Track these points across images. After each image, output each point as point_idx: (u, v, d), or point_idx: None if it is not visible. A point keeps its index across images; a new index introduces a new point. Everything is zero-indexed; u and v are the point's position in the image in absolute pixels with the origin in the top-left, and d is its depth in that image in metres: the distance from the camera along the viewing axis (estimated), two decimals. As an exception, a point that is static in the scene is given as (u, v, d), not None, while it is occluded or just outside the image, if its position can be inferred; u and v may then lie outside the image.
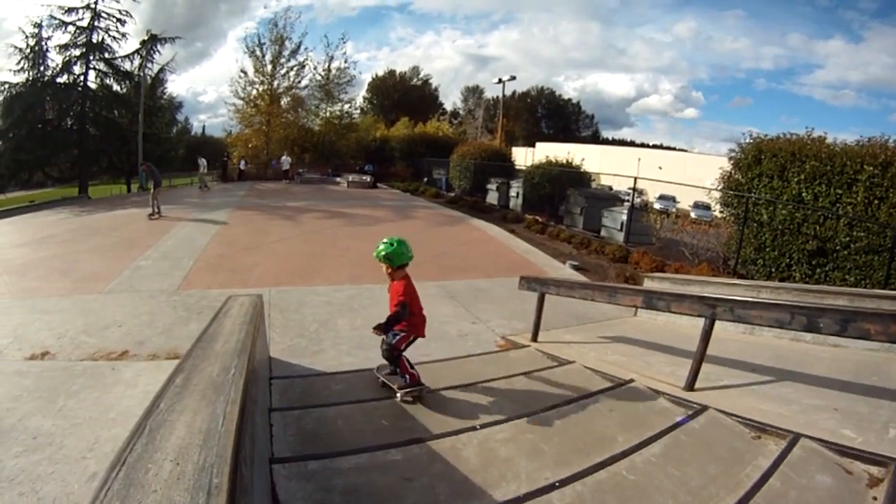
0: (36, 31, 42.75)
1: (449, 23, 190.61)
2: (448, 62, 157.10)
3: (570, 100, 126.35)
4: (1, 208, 28.88)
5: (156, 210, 21.63)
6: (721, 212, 15.64)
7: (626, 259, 15.83)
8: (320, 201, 29.10)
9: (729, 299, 5.50)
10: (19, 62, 42.46)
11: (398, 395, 5.51)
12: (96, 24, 43.90)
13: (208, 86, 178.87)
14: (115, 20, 44.72)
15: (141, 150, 41.92)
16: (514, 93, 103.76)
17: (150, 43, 47.72)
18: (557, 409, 4.82)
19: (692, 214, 27.89)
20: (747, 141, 14.56)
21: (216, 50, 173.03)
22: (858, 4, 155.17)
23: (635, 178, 22.12)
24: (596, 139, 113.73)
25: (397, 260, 6.08)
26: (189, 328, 9.20)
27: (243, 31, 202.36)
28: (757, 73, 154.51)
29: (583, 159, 28.73)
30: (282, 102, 51.85)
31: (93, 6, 43.39)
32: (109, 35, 44.94)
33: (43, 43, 43.05)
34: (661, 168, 61.94)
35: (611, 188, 35.89)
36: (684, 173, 51.83)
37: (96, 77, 45.22)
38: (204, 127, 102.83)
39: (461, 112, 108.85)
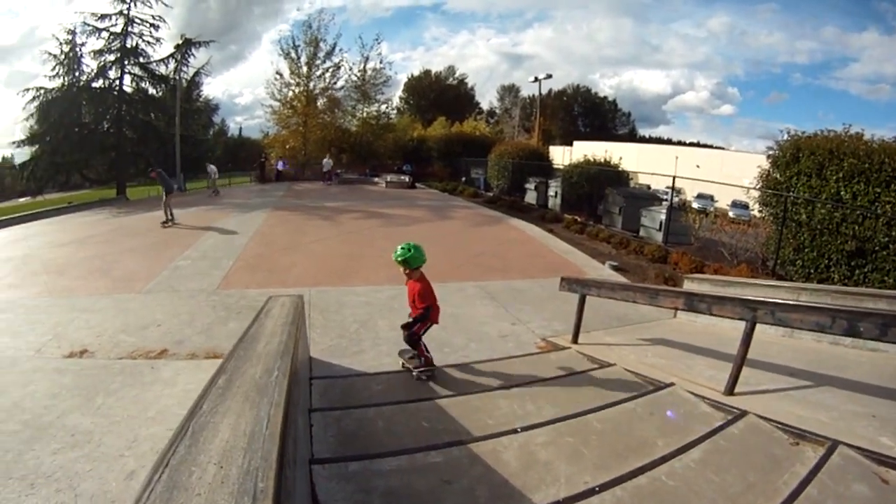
0: (70, 37, 43.37)
1: (482, 22, 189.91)
2: (483, 61, 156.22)
3: (605, 97, 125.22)
4: (40, 209, 29.26)
5: (169, 217, 21.00)
6: (760, 211, 15.50)
7: (665, 259, 15.75)
8: (358, 201, 29.18)
9: (770, 302, 5.49)
10: (54, 68, 43.07)
11: (414, 373, 6.94)
12: (130, 29, 44.32)
13: (244, 88, 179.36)
14: (148, 25, 45.12)
15: (178, 152, 42.39)
16: (549, 91, 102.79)
17: (185, 47, 48.14)
18: (598, 412, 4.80)
19: (730, 213, 27.71)
20: (785, 138, 14.34)
21: (251, 52, 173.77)
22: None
23: (673, 178, 22.03)
24: (633, 137, 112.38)
25: (413, 263, 6.99)
26: (228, 328, 9.37)
27: (277, 34, 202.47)
28: (792, 68, 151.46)
29: (620, 158, 28.40)
30: (318, 103, 51.88)
31: (126, 12, 43.85)
32: (143, 40, 45.35)
33: (77, 49, 43.62)
34: (698, 166, 61.20)
35: (649, 187, 35.51)
36: (721, 171, 51.33)
37: (132, 81, 45.65)
38: (241, 129, 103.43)
39: (497, 111, 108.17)
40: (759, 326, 5.57)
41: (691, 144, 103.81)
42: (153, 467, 2.06)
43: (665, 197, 23.15)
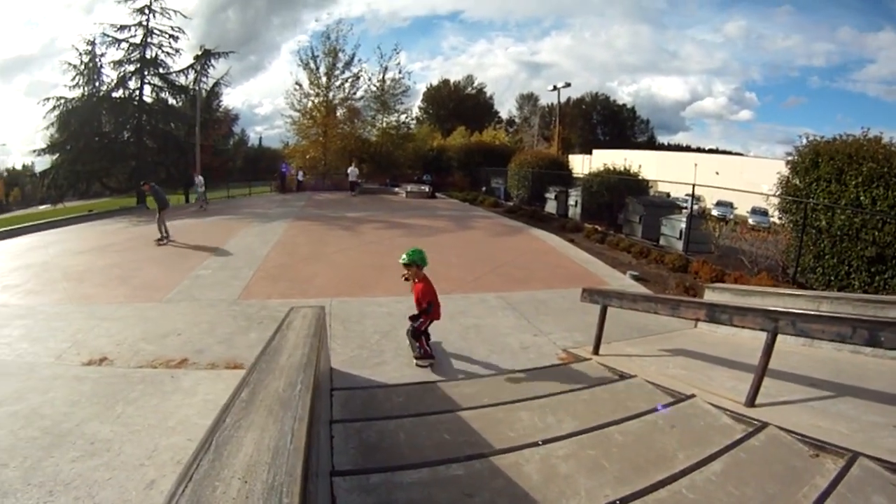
0: (89, 48, 43.78)
1: (500, 30, 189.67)
2: (501, 70, 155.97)
3: (624, 105, 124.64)
4: (60, 217, 29.56)
5: (163, 234, 19.55)
6: (779, 218, 15.45)
7: (685, 268, 15.68)
8: (379, 211, 29.18)
9: (791, 313, 5.50)
10: (74, 78, 43.41)
11: (415, 362, 8.30)
12: (149, 40, 44.72)
13: (264, 98, 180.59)
14: (167, 37, 45.55)
15: (199, 161, 42.66)
16: (568, 99, 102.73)
17: (204, 58, 48.36)
18: (619, 424, 4.81)
19: (750, 221, 27.59)
20: (803, 144, 14.24)
21: (270, 63, 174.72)
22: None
23: (693, 185, 21.94)
24: (652, 144, 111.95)
25: (423, 263, 8.56)
26: (249, 338, 9.42)
27: (296, 44, 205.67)
28: (810, 71, 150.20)
29: (640, 166, 28.25)
30: (338, 113, 52.01)
31: (145, 24, 44.28)
32: (163, 51, 45.77)
33: (97, 59, 44.02)
34: (717, 173, 60.97)
35: (668, 195, 35.40)
36: (741, 178, 50.93)
37: (152, 91, 46.05)
38: (261, 138, 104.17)
39: (517, 120, 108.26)
40: (779, 336, 5.57)
41: (710, 151, 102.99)
42: (176, 481, 2.07)
43: (685, 205, 23.11)
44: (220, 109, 56.59)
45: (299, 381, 3.27)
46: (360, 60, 52.04)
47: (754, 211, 33.65)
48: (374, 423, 5.05)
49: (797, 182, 14.15)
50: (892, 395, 5.66)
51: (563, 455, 4.23)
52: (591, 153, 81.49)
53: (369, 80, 52.48)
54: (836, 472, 3.95)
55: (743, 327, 6.19)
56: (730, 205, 40.88)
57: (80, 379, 7.31)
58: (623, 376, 6.87)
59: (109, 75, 44.31)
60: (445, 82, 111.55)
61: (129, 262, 16.06)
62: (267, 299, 12.00)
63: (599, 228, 22.31)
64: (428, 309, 8.30)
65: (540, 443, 4.41)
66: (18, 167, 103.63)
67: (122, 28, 43.49)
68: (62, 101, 42.69)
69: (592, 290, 9.35)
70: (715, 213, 32.16)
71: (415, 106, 76.00)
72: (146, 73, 44.63)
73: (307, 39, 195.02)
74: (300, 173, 48.60)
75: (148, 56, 44.51)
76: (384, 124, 53.22)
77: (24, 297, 12.42)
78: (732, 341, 8.68)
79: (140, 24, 43.91)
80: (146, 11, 43.77)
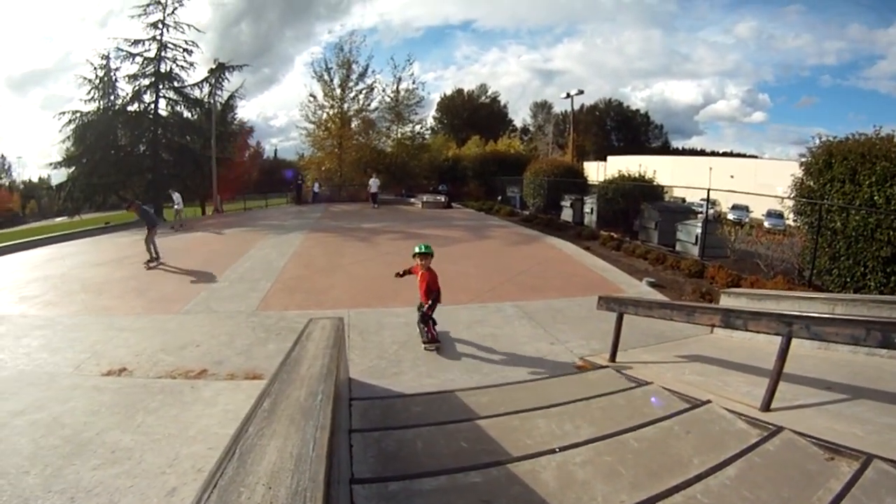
0: (104, 62, 44.65)
1: (513, 38, 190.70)
2: (515, 78, 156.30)
3: (637, 110, 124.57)
4: (77, 230, 29.75)
5: (153, 256, 18.14)
6: (794, 220, 15.41)
7: (701, 274, 15.69)
8: (395, 222, 29.27)
9: (805, 316, 5.51)
10: (89, 92, 44.24)
11: (423, 346, 9.57)
12: (163, 54, 45.47)
13: (279, 110, 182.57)
14: (181, 50, 46.34)
15: (215, 174, 43.00)
16: (582, 106, 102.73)
17: (219, 71, 49.00)
18: (635, 431, 4.79)
19: (765, 224, 27.50)
20: (816, 144, 14.23)
21: (284, 75, 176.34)
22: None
23: (708, 190, 21.98)
24: (666, 149, 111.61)
25: (431, 252, 9.98)
26: (267, 349, 9.52)
27: (310, 56, 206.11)
28: (821, 70, 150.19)
29: (654, 171, 28.19)
30: (353, 125, 52.14)
31: (159, 38, 45.04)
32: (177, 65, 46.55)
33: (112, 73, 44.89)
34: (732, 177, 60.77)
35: (683, 200, 35.33)
36: (755, 181, 51.00)
37: (167, 105, 46.79)
38: (276, 150, 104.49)
39: (531, 128, 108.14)
40: (794, 340, 5.58)
41: (724, 154, 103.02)
42: (202, 487, 2.10)
43: (700, 210, 23.07)
44: (236, 122, 57.20)
45: (320, 390, 3.30)
46: (373, 72, 52.34)
47: (770, 214, 33.57)
48: (392, 432, 5.06)
49: (811, 183, 14.12)
50: (908, 397, 5.64)
51: (580, 462, 4.22)
52: (605, 160, 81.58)
53: (383, 91, 52.71)
54: (851, 474, 3.95)
55: (758, 332, 6.19)
56: (745, 208, 40.80)
57: (100, 389, 7.42)
58: (639, 383, 6.85)
59: (124, 89, 45.31)
60: (459, 92, 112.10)
61: (146, 274, 16.36)
62: (285, 310, 12.08)
63: (615, 235, 22.27)
64: (437, 297, 9.71)
65: (557, 450, 4.39)
66: (34, 180, 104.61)
67: (136, 42, 44.42)
68: (78, 114, 43.60)
69: (608, 298, 9.41)
70: (730, 216, 32.05)
71: (429, 116, 76.33)
72: (161, 86, 45.39)
73: (320, 51, 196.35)
74: (316, 185, 48.81)
75: (162, 70, 45.32)
76: (399, 135, 53.32)
77: (43, 308, 12.59)
78: (748, 346, 8.67)
79: (154, 38, 44.83)
80: (160, 26, 44.64)
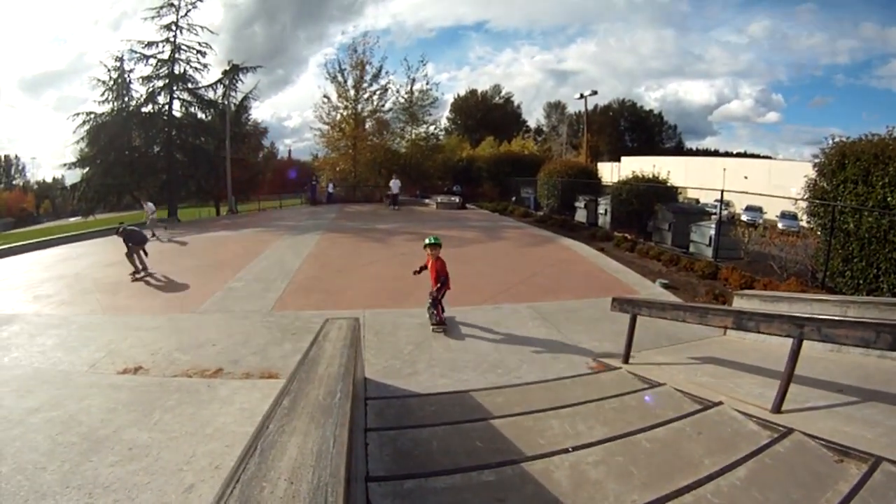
0: (118, 64, 44.89)
1: (526, 39, 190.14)
2: (528, 79, 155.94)
3: (651, 111, 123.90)
4: (91, 230, 29.93)
5: (137, 268, 16.46)
6: (808, 222, 15.39)
7: (715, 275, 15.67)
8: (410, 223, 29.33)
9: (816, 318, 5.50)
10: (103, 93, 44.56)
11: (431, 328, 10.59)
12: (177, 56, 45.83)
13: (292, 111, 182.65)
14: (195, 52, 46.70)
15: (229, 175, 43.23)
16: (595, 107, 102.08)
17: (232, 72, 49.19)
18: (647, 431, 4.84)
19: (779, 225, 27.33)
20: (829, 145, 14.19)
21: (298, 76, 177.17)
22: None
23: (722, 192, 21.93)
24: (680, 150, 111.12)
25: (440, 244, 11.08)
26: (283, 348, 9.57)
27: (323, 58, 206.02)
28: (834, 69, 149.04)
29: (668, 172, 28.06)
30: (367, 126, 52.09)
31: (172, 40, 45.34)
32: (191, 66, 46.96)
33: (126, 75, 45.14)
34: (746, 178, 60.60)
35: (697, 201, 35.17)
36: (769, 182, 50.86)
37: (181, 106, 47.23)
38: (290, 151, 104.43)
39: (545, 129, 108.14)
40: (807, 343, 5.59)
41: (738, 155, 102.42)
42: (224, 482, 2.16)
43: (714, 211, 23.05)
44: (250, 123, 57.20)
45: (339, 389, 3.39)
46: (387, 72, 52.11)
47: (783, 215, 33.39)
48: (407, 431, 5.12)
49: (824, 184, 14.12)
50: (918, 400, 5.64)
51: (593, 462, 4.27)
52: (619, 160, 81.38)
53: (397, 91, 52.54)
54: (860, 476, 3.99)
55: (770, 334, 6.16)
56: (759, 209, 40.55)
57: (116, 387, 7.52)
58: (652, 385, 6.88)
59: (138, 90, 45.61)
60: (473, 92, 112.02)
61: (161, 274, 16.42)
62: (300, 311, 12.14)
63: (629, 237, 22.21)
64: (446, 283, 10.83)
65: (570, 449, 4.45)
66: (48, 180, 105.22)
67: (149, 44, 44.75)
68: (92, 116, 43.95)
69: (622, 300, 9.45)
70: (744, 218, 31.87)
71: (443, 117, 76.21)
72: (175, 88, 45.76)
73: (334, 52, 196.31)
74: (331, 185, 48.95)
75: (176, 71, 45.65)
76: (413, 136, 53.26)
77: (58, 307, 12.71)
78: (761, 348, 8.63)
79: (167, 40, 45.13)
80: (173, 28, 44.96)
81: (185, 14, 45.61)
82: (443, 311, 10.91)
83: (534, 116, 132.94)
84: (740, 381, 6.93)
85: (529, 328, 10.82)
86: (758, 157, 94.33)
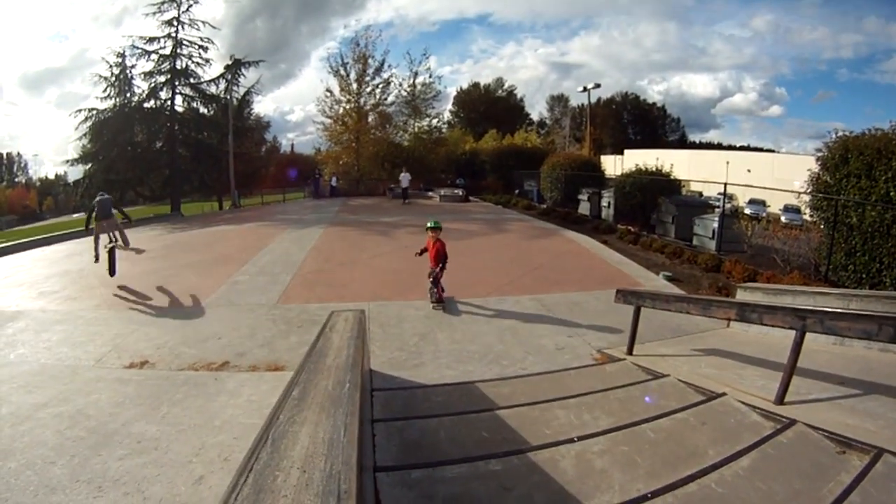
0: (119, 60, 44.96)
1: (529, 32, 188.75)
2: (532, 72, 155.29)
3: (654, 104, 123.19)
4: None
5: (98, 254, 15.59)
6: (811, 216, 15.42)
7: (718, 268, 15.64)
8: (414, 216, 29.16)
9: (818, 311, 5.54)
10: (105, 89, 44.62)
11: (431, 306, 11.42)
12: (179, 51, 45.95)
13: (295, 105, 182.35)
14: (197, 47, 46.86)
15: (232, 169, 43.25)
16: (599, 100, 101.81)
17: (234, 67, 49.35)
18: (652, 422, 4.88)
19: (783, 219, 27.32)
20: (833, 139, 14.19)
21: (300, 70, 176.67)
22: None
23: (725, 185, 21.90)
24: (683, 143, 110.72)
25: (440, 227, 12.10)
26: (289, 341, 9.58)
27: (326, 51, 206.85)
28: (838, 64, 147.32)
29: (671, 165, 28.13)
30: (370, 119, 52.25)
31: (174, 35, 45.52)
32: (193, 61, 47.08)
33: (128, 71, 45.22)
34: (749, 171, 60.53)
35: (700, 194, 35.12)
36: (773, 175, 50.82)
37: (183, 101, 47.39)
38: (293, 145, 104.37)
39: (548, 122, 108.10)
40: (810, 335, 5.63)
41: (741, 148, 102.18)
42: (237, 472, 2.19)
43: (717, 204, 23.05)
44: (252, 117, 57.28)
45: (347, 380, 3.41)
46: (389, 66, 52.45)
47: (787, 209, 33.31)
48: (414, 422, 5.15)
49: (827, 178, 14.12)
50: (920, 393, 5.68)
51: (598, 451, 4.31)
52: (622, 153, 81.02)
53: (400, 85, 52.81)
54: (861, 468, 4.03)
55: (773, 326, 6.24)
56: (762, 203, 40.52)
57: (124, 381, 7.57)
58: (656, 376, 6.91)
59: (140, 86, 45.72)
60: (475, 85, 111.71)
61: (165, 269, 16.43)
62: (306, 303, 12.13)
63: (632, 229, 22.26)
64: (445, 263, 11.63)
65: (575, 439, 4.48)
66: (51, 177, 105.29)
67: (151, 40, 44.89)
68: (94, 112, 43.99)
69: (626, 292, 9.46)
70: (747, 211, 31.94)
71: (446, 110, 75.99)
72: (177, 83, 45.84)
73: (336, 46, 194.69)
74: (334, 178, 49.02)
75: (178, 67, 45.77)
76: (416, 129, 53.41)
77: (63, 302, 12.72)
78: (764, 341, 8.70)
79: (169, 35, 45.30)
80: (175, 23, 45.08)
81: (187, 9, 45.83)
82: (443, 290, 11.79)
83: (537, 109, 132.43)
84: (743, 372, 6.97)
85: (534, 320, 10.82)
86: (761, 150, 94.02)
